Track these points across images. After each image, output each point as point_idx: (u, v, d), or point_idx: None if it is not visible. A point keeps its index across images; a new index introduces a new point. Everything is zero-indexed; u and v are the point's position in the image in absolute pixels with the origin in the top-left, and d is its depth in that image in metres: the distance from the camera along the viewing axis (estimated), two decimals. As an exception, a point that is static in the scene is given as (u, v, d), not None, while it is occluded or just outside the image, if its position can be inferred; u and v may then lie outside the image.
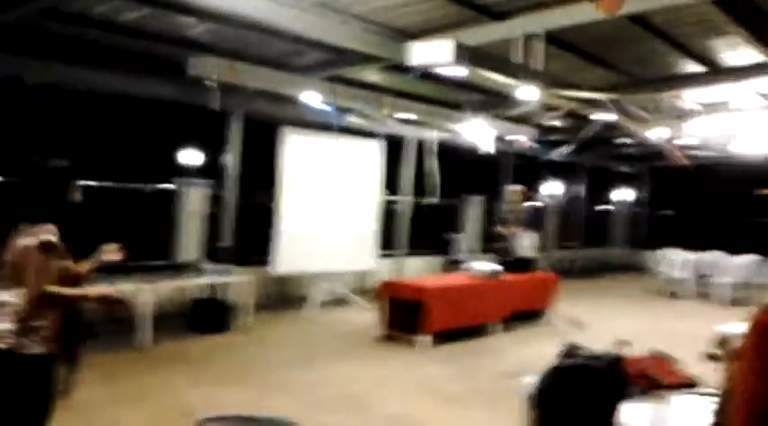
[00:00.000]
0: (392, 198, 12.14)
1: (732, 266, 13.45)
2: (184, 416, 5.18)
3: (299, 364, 7.09)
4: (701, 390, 3.74)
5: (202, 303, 8.61)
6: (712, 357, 4.58)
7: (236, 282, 8.74)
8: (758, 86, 9.32)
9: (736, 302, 12.74)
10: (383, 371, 7.02)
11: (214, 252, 9.58)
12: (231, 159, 9.77)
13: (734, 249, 13.99)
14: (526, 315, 9.77)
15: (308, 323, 9.19)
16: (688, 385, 3.81)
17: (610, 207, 20.08)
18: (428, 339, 8.02)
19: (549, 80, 8.02)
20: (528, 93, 8.07)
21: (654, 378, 3.77)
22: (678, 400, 3.59)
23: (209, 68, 8.02)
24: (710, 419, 2.92)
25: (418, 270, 12.48)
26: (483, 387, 6.71)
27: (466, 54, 6.63)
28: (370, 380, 6.66)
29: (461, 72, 7.50)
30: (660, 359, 4.09)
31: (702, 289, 13.61)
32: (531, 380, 3.84)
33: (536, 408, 2.00)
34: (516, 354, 8.12)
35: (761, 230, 16.26)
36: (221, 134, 9.70)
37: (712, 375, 4.15)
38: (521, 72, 7.55)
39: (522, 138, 12.68)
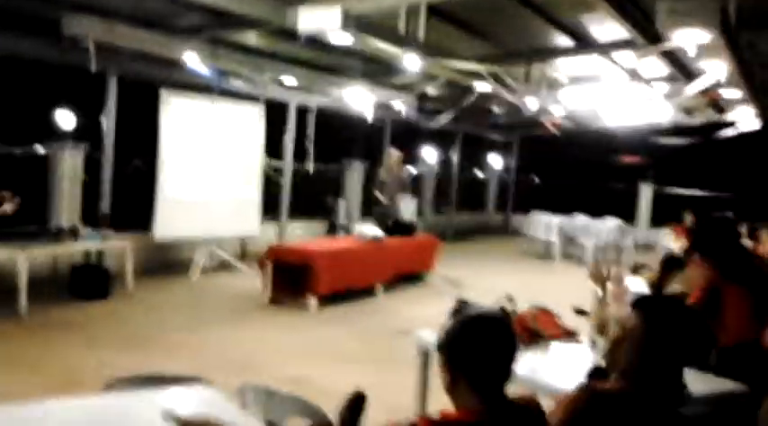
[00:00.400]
0: (274, 163, 12.11)
1: (596, 229, 14.35)
2: (78, 382, 5.13)
3: (187, 329, 7.08)
4: (581, 339, 4.10)
5: (81, 269, 8.37)
6: (579, 311, 4.99)
7: (116, 248, 8.57)
8: (622, 61, 9.94)
9: (599, 262, 13.64)
10: (274, 334, 7.13)
11: (93, 218, 9.31)
12: (109, 122, 9.46)
13: (597, 213, 14.95)
14: (409, 276, 10.11)
15: (192, 289, 9.13)
16: (568, 335, 4.15)
17: (484, 173, 20.83)
18: (315, 302, 8.18)
19: (430, 50, 8.25)
20: (411, 62, 8.30)
21: (537, 330, 4.08)
22: (560, 349, 3.92)
23: (85, 28, 7.72)
24: (593, 363, 3.24)
25: (300, 235, 12.57)
26: (374, 345, 6.98)
27: (353, 22, 6.74)
28: (262, 343, 6.75)
29: (348, 39, 7.63)
30: (542, 313, 4.42)
31: (569, 251, 14.47)
32: (423, 336, 4.09)
33: (445, 357, 2.16)
34: (402, 313, 8.44)
35: (621, 196, 17.43)
36: (99, 96, 9.36)
37: (586, 326, 4.56)
38: (404, 41, 7.74)
39: (402, 105, 12.92)
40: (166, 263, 10.10)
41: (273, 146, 11.71)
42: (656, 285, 4.34)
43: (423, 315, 8.22)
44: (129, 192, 10.14)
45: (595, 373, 3.14)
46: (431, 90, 12.02)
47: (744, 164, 17.36)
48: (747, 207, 12.35)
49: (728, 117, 12.14)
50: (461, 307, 4.11)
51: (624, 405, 2.24)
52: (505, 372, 2.11)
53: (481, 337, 2.12)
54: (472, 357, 2.09)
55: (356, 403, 2.69)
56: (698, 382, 3.20)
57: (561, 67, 10.70)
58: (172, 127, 9.47)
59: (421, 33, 7.92)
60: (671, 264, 4.38)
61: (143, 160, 9.75)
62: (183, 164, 9.67)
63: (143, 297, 8.35)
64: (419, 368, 4.22)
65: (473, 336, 2.12)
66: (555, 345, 3.99)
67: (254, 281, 9.12)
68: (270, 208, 11.84)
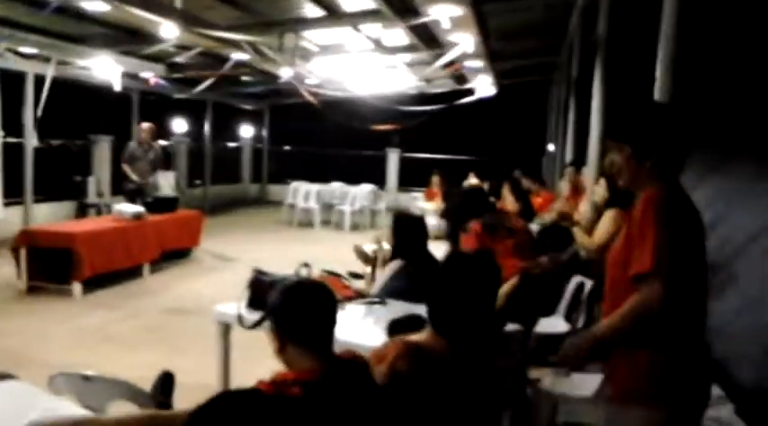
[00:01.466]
0: (12, 139, 11.07)
1: (352, 195, 14.93)
2: None
3: (-66, 328, 6.35)
4: (369, 299, 4.34)
5: None
6: (354, 275, 5.30)
7: None
8: (368, 31, 10.37)
9: (355, 226, 14.26)
10: (37, 324, 6.60)
11: None
12: None
13: (353, 180, 15.57)
14: (175, 253, 9.85)
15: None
16: (359, 296, 4.37)
17: (236, 143, 20.64)
18: (80, 287, 7.70)
19: (186, 18, 8.03)
20: (167, 31, 8.03)
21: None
22: (355, 309, 4.12)
23: None
24: (388, 319, 3.47)
25: (48, 216, 11.66)
26: (149, 326, 6.75)
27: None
28: (27, 335, 6.23)
29: (102, 7, 7.22)
30: (330, 277, 4.60)
31: (327, 218, 14.91)
32: (221, 310, 4.09)
33: (274, 324, 2.22)
34: (173, 291, 8.25)
35: (374, 162, 18.24)
36: None
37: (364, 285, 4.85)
38: (161, 9, 7.47)
39: (151, 76, 12.41)
40: None
41: (13, 121, 10.71)
42: (392, 244, 4.72)
43: (195, 292, 8.13)
44: None
45: (393, 327, 3.38)
46: (182, 59, 11.67)
47: (482, 129, 19.00)
48: (488, 167, 13.55)
49: (468, 85, 13.18)
50: (258, 278, 4.18)
51: (437, 353, 2.47)
52: (331, 332, 2.24)
53: (307, 301, 2.22)
54: (301, 321, 2.18)
55: (166, 382, 2.69)
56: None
57: (312, 37, 10.93)
58: None
59: (178, 1, 7.69)
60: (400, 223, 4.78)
61: None
62: None
63: None
64: (219, 343, 4.19)
65: (300, 302, 2.22)
66: (349, 306, 4.18)
67: (3, 270, 8.36)
68: (11, 190, 10.85)
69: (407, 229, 4.65)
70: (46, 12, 7.31)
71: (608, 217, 5.23)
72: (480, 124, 18.56)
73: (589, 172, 6.47)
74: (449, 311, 2.52)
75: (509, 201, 6.55)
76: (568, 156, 9.41)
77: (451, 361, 2.44)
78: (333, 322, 2.24)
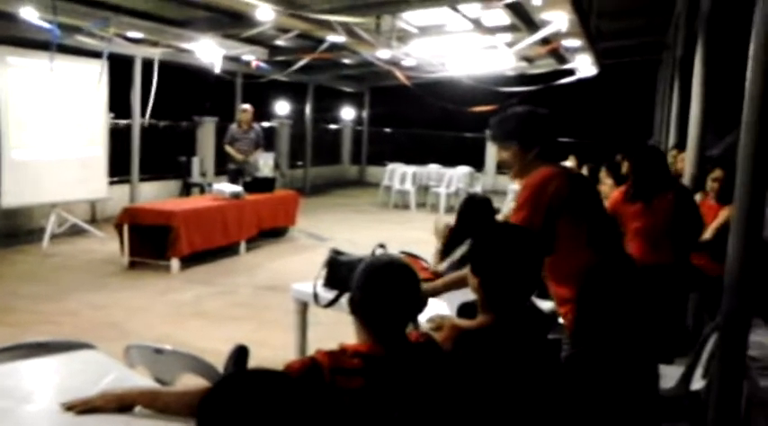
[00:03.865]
0: (120, 121, 11.58)
1: (448, 177, 14.83)
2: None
3: (46, 297, 6.72)
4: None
5: None
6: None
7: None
8: (467, 11, 10.20)
9: (451, 208, 14.16)
10: (138, 298, 6.92)
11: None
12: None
13: (449, 162, 15.46)
14: (271, 232, 10.08)
15: (45, 257, 8.62)
16: (436, 277, 4.32)
17: (337, 125, 20.87)
18: (178, 263, 8.00)
19: (280, 0, 8.14)
20: (264, 14, 8.17)
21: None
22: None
23: None
24: (460, 302, 3.41)
25: (153, 195, 12.16)
26: (243, 302, 6.96)
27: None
28: (126, 307, 6.55)
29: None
30: (410, 259, 4.57)
31: (423, 200, 14.90)
32: (298, 288, 4.14)
33: (362, 305, 2.22)
34: (267, 269, 8.44)
35: (471, 144, 18.06)
36: None
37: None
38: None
39: (252, 58, 12.66)
40: (13, 232, 9.51)
41: (122, 103, 11.22)
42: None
43: (288, 270, 8.27)
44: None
45: (463, 309, 3.32)
46: (282, 42, 11.86)
47: (585, 110, 18.49)
48: (590, 150, 13.23)
49: (569, 65, 12.81)
50: (334, 258, 4.21)
51: (488, 338, 2.41)
52: (407, 313, 2.22)
53: (383, 285, 2.19)
54: (374, 305, 2.17)
55: (239, 356, 2.72)
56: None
57: (410, 18, 10.86)
58: (10, 86, 8.86)
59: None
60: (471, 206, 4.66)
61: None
62: (26, 126, 9.11)
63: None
64: (296, 320, 4.26)
65: (375, 285, 2.20)
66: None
67: (109, 245, 8.79)
68: (119, 168, 11.38)
69: (474, 210, 4.59)
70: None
71: (724, 215, 4.99)
72: (583, 106, 18.05)
73: (688, 156, 6.15)
74: (497, 283, 2.45)
75: (607, 185, 6.34)
76: (672, 140, 9.01)
77: (497, 336, 2.39)
78: (408, 304, 2.22)
